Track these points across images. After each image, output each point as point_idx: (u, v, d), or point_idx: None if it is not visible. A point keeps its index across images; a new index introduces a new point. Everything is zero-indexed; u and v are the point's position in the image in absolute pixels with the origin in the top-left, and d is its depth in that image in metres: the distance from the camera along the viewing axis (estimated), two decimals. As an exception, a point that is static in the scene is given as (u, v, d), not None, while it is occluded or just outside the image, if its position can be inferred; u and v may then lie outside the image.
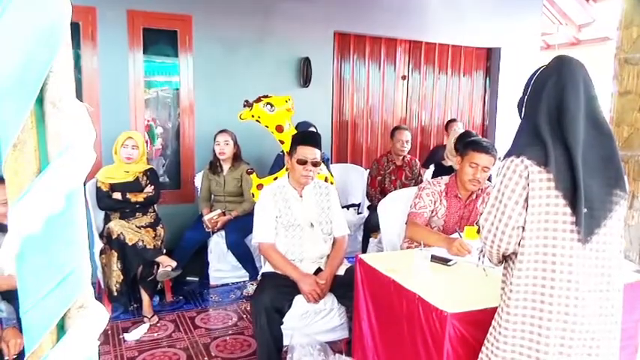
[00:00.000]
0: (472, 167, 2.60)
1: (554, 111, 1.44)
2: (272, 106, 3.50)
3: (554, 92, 1.44)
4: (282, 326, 2.51)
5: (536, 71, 1.55)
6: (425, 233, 2.59)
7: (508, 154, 1.50)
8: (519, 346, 1.45)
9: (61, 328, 0.84)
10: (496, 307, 1.74)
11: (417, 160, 4.56)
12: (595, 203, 1.41)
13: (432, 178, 3.31)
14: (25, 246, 0.76)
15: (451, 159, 4.26)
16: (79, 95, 3.99)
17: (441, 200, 2.73)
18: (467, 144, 2.70)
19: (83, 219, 0.83)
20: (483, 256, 1.61)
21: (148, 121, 4.53)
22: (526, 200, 1.43)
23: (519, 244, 1.46)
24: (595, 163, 1.43)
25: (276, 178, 3.74)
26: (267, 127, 3.60)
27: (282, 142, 3.64)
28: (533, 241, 1.44)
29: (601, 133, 1.45)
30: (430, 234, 2.60)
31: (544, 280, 1.42)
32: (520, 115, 1.60)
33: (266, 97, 3.56)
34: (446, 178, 2.81)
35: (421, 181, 4.17)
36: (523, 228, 1.45)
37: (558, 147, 1.42)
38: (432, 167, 4.80)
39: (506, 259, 1.55)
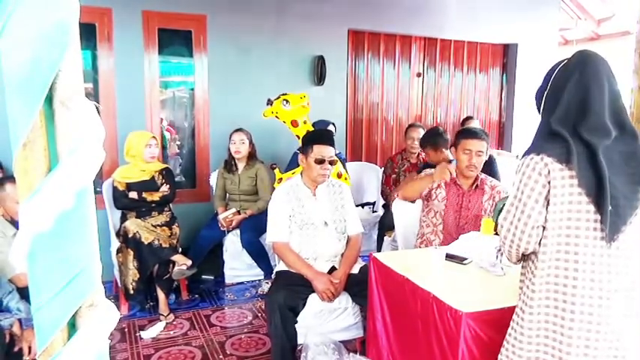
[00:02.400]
0: (466, 154, 2.71)
1: (574, 110, 1.40)
2: (287, 102, 3.75)
3: (576, 91, 1.40)
4: (296, 325, 2.51)
5: (557, 66, 1.50)
6: (413, 181, 2.85)
7: (527, 152, 1.45)
8: (543, 345, 1.43)
9: (72, 327, 0.85)
10: (512, 307, 1.71)
11: (432, 158, 4.52)
12: (620, 200, 1.36)
13: None
14: (36, 244, 0.76)
15: None
16: (95, 96, 4.06)
17: (439, 185, 2.81)
18: (457, 134, 2.85)
19: (93, 217, 0.83)
20: (502, 254, 1.58)
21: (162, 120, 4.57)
22: (547, 199, 1.39)
23: (540, 243, 1.43)
24: (617, 160, 1.38)
25: (294, 173, 3.78)
26: (285, 122, 3.82)
27: (298, 137, 3.79)
28: (554, 239, 1.40)
29: (624, 131, 1.41)
30: (419, 179, 2.83)
31: (566, 279, 1.39)
32: (538, 107, 1.55)
33: (285, 94, 3.79)
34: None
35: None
36: (544, 227, 1.41)
37: (579, 144, 1.37)
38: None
39: (525, 258, 1.51)
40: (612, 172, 1.36)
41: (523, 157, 1.46)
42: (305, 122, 3.80)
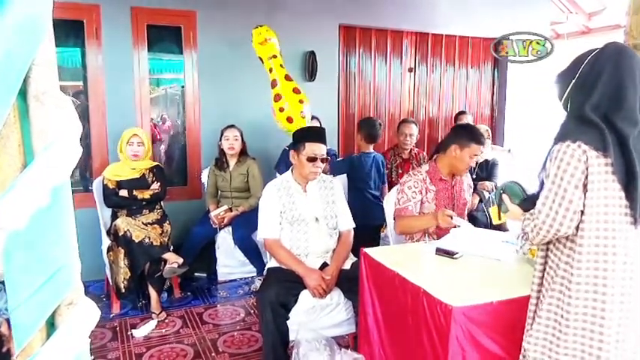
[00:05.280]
0: (472, 158, 2.73)
1: (608, 100, 1.46)
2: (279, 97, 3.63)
3: (611, 82, 1.46)
4: (288, 321, 2.50)
5: (587, 56, 1.52)
6: (411, 222, 2.69)
7: (561, 139, 1.50)
8: (581, 329, 1.49)
9: (52, 326, 0.83)
10: (502, 300, 1.72)
11: (424, 154, 4.52)
12: None
13: None
14: (11, 242, 0.75)
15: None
16: (84, 93, 4.02)
17: (426, 187, 2.77)
18: (469, 136, 2.73)
19: (71, 214, 0.82)
20: (525, 239, 1.65)
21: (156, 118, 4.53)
22: (584, 184, 1.46)
23: (577, 227, 1.48)
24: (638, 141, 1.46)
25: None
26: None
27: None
28: (593, 225, 1.47)
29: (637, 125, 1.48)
30: (416, 220, 2.69)
31: (605, 263, 1.47)
32: (561, 95, 1.58)
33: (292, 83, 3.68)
34: (425, 167, 2.87)
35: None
36: (582, 212, 1.47)
37: (611, 133, 1.44)
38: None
39: (551, 242, 1.57)
40: (637, 161, 1.44)
41: (557, 143, 1.50)
42: (290, 120, 3.65)
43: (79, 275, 0.84)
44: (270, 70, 3.70)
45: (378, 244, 3.94)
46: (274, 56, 3.70)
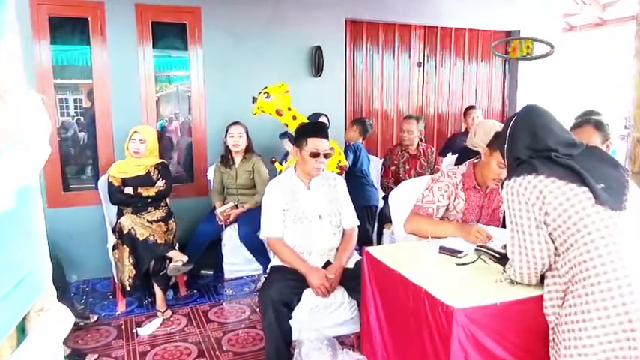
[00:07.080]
0: (501, 168, 2.33)
1: (527, 149, 1.72)
2: (268, 94, 3.72)
3: (528, 137, 1.73)
4: (290, 320, 2.47)
5: (508, 124, 1.84)
6: (428, 226, 2.40)
7: (504, 181, 1.72)
8: (610, 324, 1.49)
9: (23, 332, 0.80)
10: (505, 302, 1.67)
11: (432, 149, 4.45)
12: (610, 181, 1.57)
13: (459, 164, 2.85)
14: (-26, 247, 0.72)
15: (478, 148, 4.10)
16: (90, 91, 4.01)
17: (457, 194, 2.53)
18: (500, 143, 2.49)
19: (40, 217, 0.79)
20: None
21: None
22: (540, 209, 1.58)
23: (557, 251, 1.58)
24: (584, 156, 1.64)
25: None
26: (271, 114, 3.77)
27: (287, 125, 3.83)
28: (567, 231, 1.55)
29: (575, 146, 1.70)
30: (438, 224, 2.45)
31: (606, 247, 1.50)
32: (502, 154, 1.87)
33: (265, 87, 3.76)
34: (462, 168, 2.60)
35: (437, 170, 4.06)
36: (551, 238, 1.58)
37: (537, 159, 1.66)
38: (451, 155, 4.65)
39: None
40: (583, 162, 1.61)
41: (502, 186, 1.73)
42: (289, 109, 3.75)
43: (50, 280, 0.80)
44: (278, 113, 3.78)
45: (378, 226, 4.32)
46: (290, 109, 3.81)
